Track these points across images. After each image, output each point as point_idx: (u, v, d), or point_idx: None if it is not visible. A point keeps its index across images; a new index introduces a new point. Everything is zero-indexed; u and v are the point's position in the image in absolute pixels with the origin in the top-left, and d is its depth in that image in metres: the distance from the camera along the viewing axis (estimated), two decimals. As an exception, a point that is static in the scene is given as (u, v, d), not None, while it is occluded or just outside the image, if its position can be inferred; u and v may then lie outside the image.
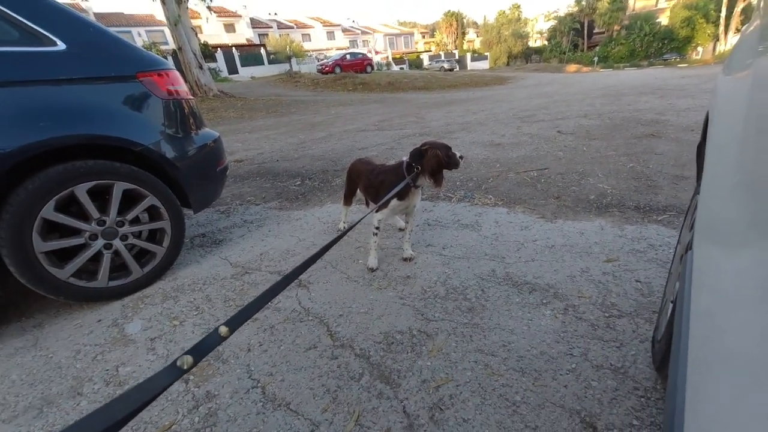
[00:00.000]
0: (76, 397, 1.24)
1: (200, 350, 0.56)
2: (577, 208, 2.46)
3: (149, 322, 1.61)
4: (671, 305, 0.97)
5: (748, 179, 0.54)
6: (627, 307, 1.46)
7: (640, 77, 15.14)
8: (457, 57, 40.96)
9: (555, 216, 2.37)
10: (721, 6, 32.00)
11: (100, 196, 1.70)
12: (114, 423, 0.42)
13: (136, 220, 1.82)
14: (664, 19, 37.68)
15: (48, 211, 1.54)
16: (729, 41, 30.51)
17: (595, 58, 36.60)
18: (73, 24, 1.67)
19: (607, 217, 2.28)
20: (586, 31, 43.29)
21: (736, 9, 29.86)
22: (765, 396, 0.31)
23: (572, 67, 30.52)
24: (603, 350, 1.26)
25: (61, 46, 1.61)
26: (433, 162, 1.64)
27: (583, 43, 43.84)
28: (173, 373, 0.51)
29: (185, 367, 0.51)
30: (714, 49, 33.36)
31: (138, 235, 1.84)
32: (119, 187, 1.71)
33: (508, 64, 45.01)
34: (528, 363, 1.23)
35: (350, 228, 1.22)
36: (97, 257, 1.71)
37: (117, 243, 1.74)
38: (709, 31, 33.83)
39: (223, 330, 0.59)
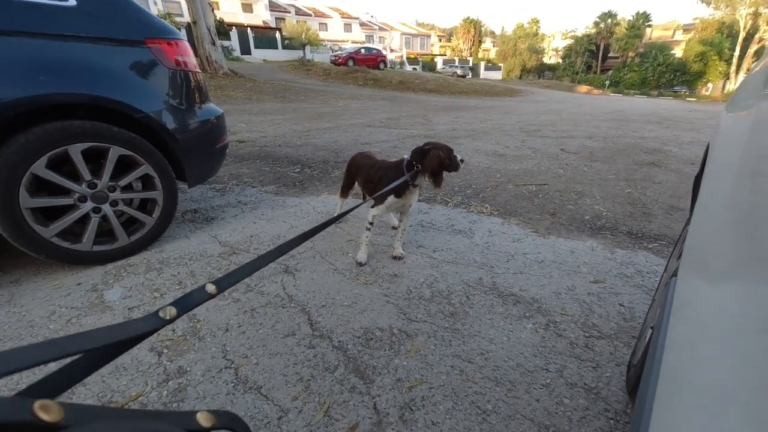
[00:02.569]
0: (46, 357, 1.22)
1: (185, 304, 0.53)
2: (571, 226, 2.47)
3: (129, 291, 1.59)
4: (650, 331, 0.98)
5: (738, 216, 0.54)
6: (608, 330, 1.46)
7: (648, 106, 15.25)
8: (471, 64, 41.02)
9: (548, 232, 2.37)
10: (735, 45, 32.30)
11: (95, 159, 1.67)
12: (86, 350, 0.40)
13: (128, 188, 1.80)
14: (678, 52, 38.00)
15: (39, 167, 1.51)
16: (739, 81, 30.84)
17: (607, 82, 36.80)
18: (86, -19, 1.64)
19: (599, 239, 2.29)
20: (600, 54, 43.49)
21: (749, 50, 30.17)
22: (727, 428, 0.31)
23: (583, 88, 30.69)
24: (579, 369, 1.26)
25: (72, 1, 1.58)
26: (434, 162, 1.64)
27: (596, 66, 44.06)
28: (154, 321, 0.49)
29: (167, 318, 0.50)
30: (724, 87, 33.73)
31: (129, 203, 1.82)
32: (115, 152, 1.68)
33: (520, 77, 45.08)
34: (503, 373, 1.23)
35: (348, 211, 1.15)
36: (84, 220, 1.69)
37: (106, 208, 1.72)
38: (720, 69, 34.18)
39: (211, 288, 0.57)
